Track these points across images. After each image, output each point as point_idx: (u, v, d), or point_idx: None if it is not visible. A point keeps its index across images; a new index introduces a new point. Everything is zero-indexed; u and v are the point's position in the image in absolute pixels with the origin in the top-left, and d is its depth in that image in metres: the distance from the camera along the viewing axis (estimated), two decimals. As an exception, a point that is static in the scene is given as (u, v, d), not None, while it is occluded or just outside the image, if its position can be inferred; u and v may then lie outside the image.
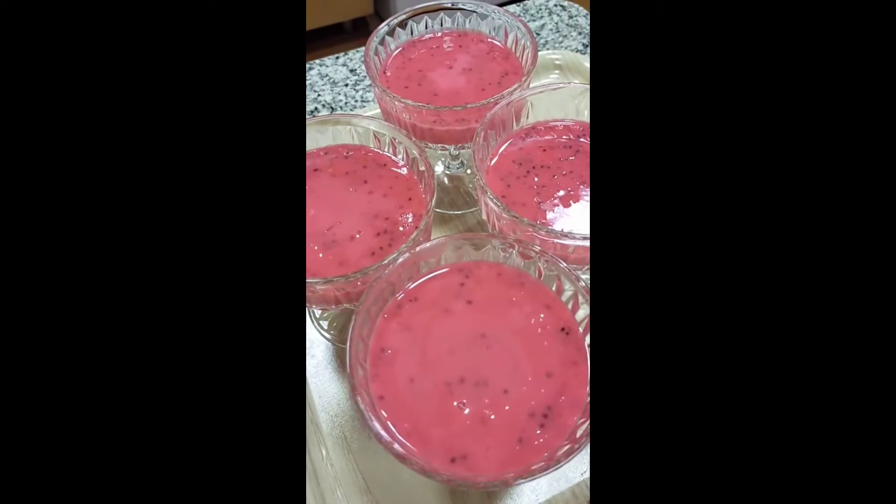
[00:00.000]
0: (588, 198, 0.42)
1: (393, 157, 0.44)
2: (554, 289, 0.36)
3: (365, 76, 0.72)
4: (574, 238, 0.37)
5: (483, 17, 0.52)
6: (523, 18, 0.81)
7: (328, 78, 0.72)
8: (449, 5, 0.51)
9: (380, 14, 2.16)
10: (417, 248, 0.36)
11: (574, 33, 0.78)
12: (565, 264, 0.35)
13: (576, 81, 0.68)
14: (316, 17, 2.01)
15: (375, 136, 0.44)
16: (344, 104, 0.69)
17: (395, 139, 0.43)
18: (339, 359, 0.47)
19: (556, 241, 0.37)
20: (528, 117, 0.47)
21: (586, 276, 0.52)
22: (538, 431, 0.31)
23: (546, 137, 0.47)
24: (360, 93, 0.70)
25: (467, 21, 0.53)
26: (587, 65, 0.69)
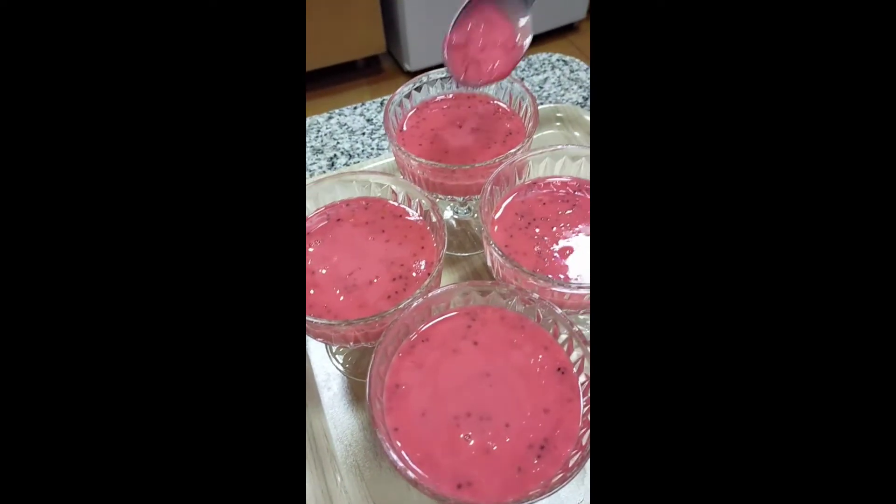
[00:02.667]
0: (583, 248, 0.47)
1: (407, 209, 0.49)
2: (551, 332, 0.40)
3: (380, 125, 0.78)
4: (569, 286, 0.41)
5: (490, 80, 0.58)
6: (528, 72, 0.87)
7: (346, 127, 0.78)
8: (459, 71, 0.57)
9: (392, 53, 2.26)
10: (430, 294, 0.41)
11: (575, 87, 0.84)
12: (560, 310, 0.39)
13: (576, 133, 0.73)
14: (329, 56, 2.10)
15: (392, 190, 0.50)
16: (361, 152, 0.74)
17: (409, 194, 0.48)
18: (354, 392, 0.52)
19: (553, 288, 0.42)
20: (529, 174, 0.52)
21: (584, 317, 0.56)
22: (535, 461, 0.35)
23: (545, 192, 0.51)
24: (377, 141, 0.76)
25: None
26: (586, 117, 0.74)
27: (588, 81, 0.85)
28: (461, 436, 0.36)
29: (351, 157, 0.74)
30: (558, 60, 0.89)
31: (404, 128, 0.56)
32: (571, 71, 0.87)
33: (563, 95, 0.83)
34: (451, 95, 0.58)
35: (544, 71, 0.87)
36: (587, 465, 0.46)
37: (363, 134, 0.77)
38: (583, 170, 0.51)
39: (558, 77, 0.86)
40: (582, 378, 0.38)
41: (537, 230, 0.48)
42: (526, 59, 0.89)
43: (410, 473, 0.33)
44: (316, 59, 2.07)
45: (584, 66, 0.88)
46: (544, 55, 0.90)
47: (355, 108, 0.81)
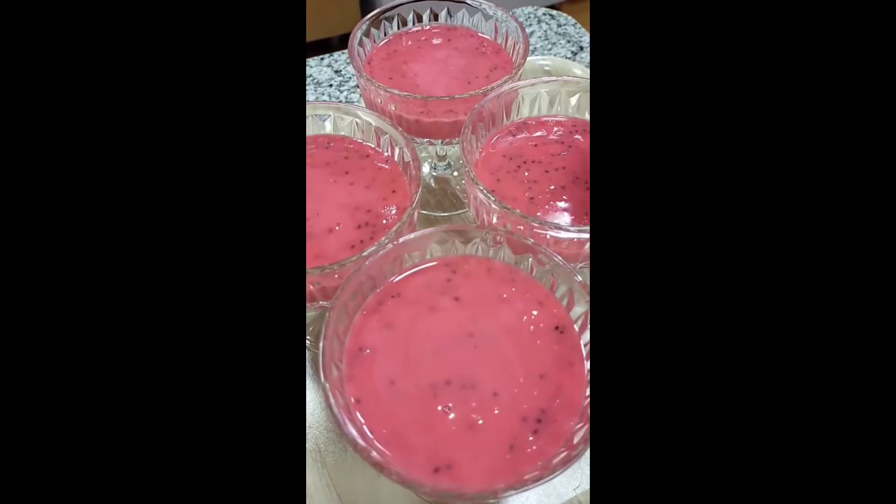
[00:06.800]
0: (581, 194, 0.40)
1: (377, 149, 0.42)
2: (547, 285, 0.34)
3: (350, 77, 0.70)
4: (569, 231, 0.35)
5: (472, 11, 0.51)
6: (512, 26, 0.80)
7: (311, 78, 0.70)
8: (437, -4, 0.50)
9: (367, 31, 2.17)
10: (400, 240, 0.33)
11: (563, 41, 0.77)
12: (561, 259, 0.33)
13: (577, 71, 0.67)
14: (303, 32, 2.01)
15: (358, 127, 0.42)
16: (327, 104, 0.67)
17: (379, 128, 0.41)
18: (315, 365, 0.44)
19: (550, 234, 0.35)
20: (518, 112, 0.45)
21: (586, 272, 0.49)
22: (531, 437, 0.28)
23: (537, 133, 0.45)
24: (345, 93, 0.68)
25: (456, 15, 0.52)
26: (577, 71, 0.68)
27: (576, 36, 0.78)
28: (439, 408, 0.29)
29: (316, 111, 0.66)
30: (545, 14, 0.82)
31: (372, 62, 0.48)
32: (559, 25, 0.80)
33: (550, 50, 0.76)
34: (427, 27, 0.51)
35: (530, 25, 0.80)
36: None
37: (330, 86, 0.69)
38: (581, 108, 0.45)
39: (545, 31, 0.79)
40: (586, 337, 0.31)
41: (527, 173, 0.41)
42: (509, 13, 0.82)
43: (375, 454, 0.26)
44: (287, 33, 1.97)
45: (572, 20, 0.81)
46: (529, 8, 0.83)
47: (322, 59, 0.73)
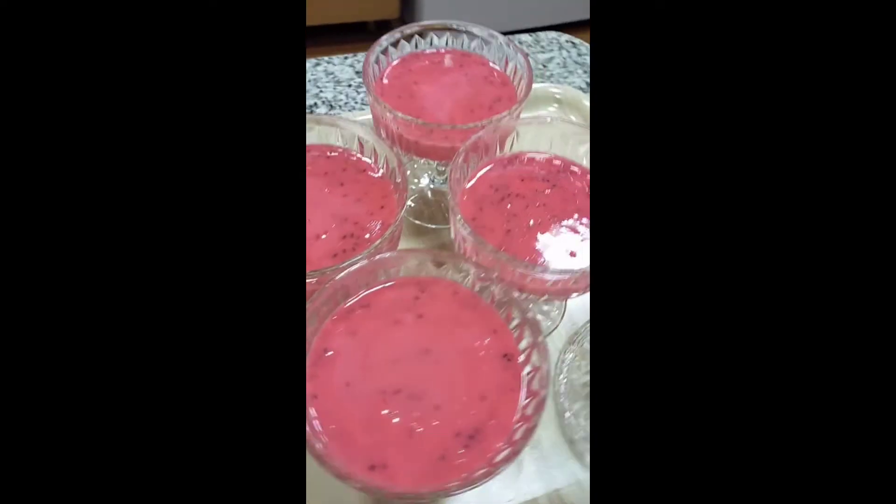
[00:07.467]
0: (555, 231, 0.43)
1: (373, 164, 0.45)
2: (503, 315, 0.37)
3: (369, 80, 0.73)
4: (532, 269, 0.38)
5: (486, 42, 0.53)
6: (534, 49, 0.82)
7: (333, 76, 0.73)
8: (455, 26, 0.53)
9: (405, 20, 2.19)
10: (378, 257, 0.37)
11: (580, 70, 0.80)
12: (518, 293, 0.36)
13: (572, 118, 0.69)
14: (340, 13, 2.03)
15: (359, 141, 0.45)
16: (344, 104, 0.70)
17: (377, 147, 0.44)
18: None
19: (516, 269, 0.38)
20: (512, 146, 0.48)
21: (547, 308, 0.53)
22: (461, 451, 0.31)
23: (526, 168, 0.48)
24: (362, 95, 0.71)
25: (472, 44, 0.55)
26: (586, 103, 0.70)
27: (595, 67, 0.80)
28: (384, 412, 0.32)
29: (332, 108, 0.69)
30: (567, 42, 0.84)
31: (385, 79, 0.52)
32: (579, 54, 0.82)
33: (566, 78, 0.78)
34: (442, 50, 0.54)
35: (551, 50, 0.83)
36: (517, 463, 0.42)
37: (349, 86, 0.72)
38: (569, 149, 0.48)
39: (564, 59, 0.81)
40: (528, 368, 0.35)
41: (509, 206, 0.44)
42: (534, 36, 0.85)
43: (318, 445, 0.30)
44: (324, 14, 2.00)
45: (594, 51, 0.83)
46: (553, 34, 0.85)
47: (346, 58, 0.76)
